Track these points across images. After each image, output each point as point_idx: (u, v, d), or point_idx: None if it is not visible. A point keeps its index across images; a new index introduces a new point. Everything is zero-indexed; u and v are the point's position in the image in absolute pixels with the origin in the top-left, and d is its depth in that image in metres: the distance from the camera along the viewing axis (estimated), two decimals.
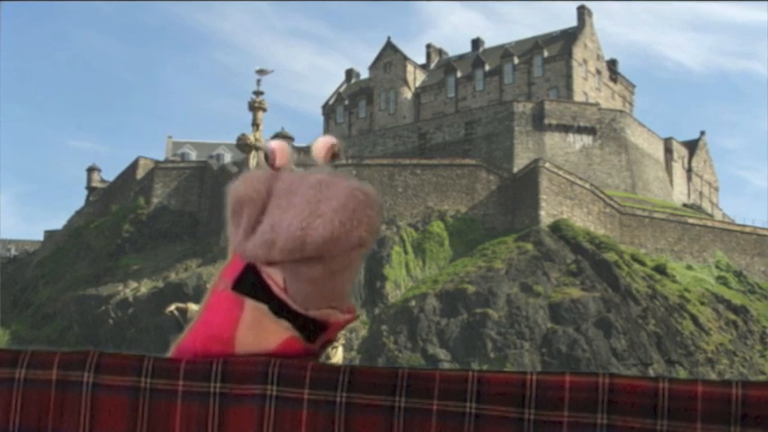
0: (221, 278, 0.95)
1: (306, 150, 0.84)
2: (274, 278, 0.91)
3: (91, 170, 79.70)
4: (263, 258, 0.90)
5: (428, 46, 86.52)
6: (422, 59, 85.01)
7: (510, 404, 0.84)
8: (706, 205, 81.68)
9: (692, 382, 0.84)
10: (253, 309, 0.91)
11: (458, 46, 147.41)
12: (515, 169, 66.77)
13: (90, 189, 78.63)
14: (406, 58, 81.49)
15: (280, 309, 0.92)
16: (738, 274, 64.40)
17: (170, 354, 0.94)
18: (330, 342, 0.98)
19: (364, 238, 0.89)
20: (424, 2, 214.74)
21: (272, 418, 0.86)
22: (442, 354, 57.21)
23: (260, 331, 0.91)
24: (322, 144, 0.92)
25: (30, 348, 0.93)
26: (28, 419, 0.87)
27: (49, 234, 78.19)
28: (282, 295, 0.91)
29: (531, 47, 78.26)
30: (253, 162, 17.12)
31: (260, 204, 0.91)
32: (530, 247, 61.40)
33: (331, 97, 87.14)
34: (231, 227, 0.95)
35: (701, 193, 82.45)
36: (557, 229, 62.39)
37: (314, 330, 0.92)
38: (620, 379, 0.85)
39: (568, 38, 77.59)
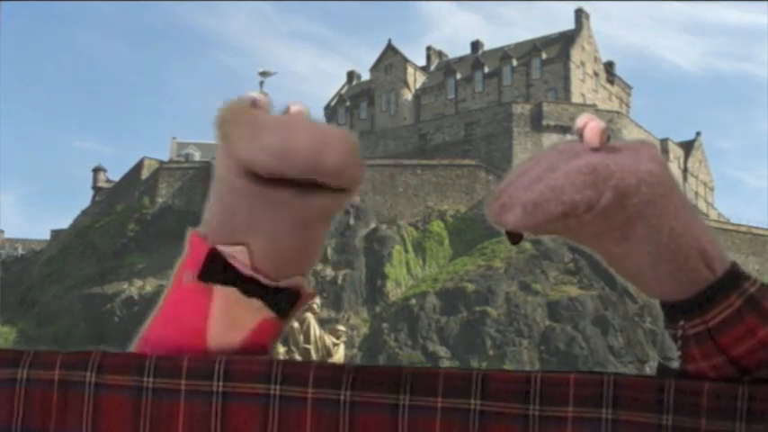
0: (182, 271, 0.91)
1: None
2: (240, 258, 0.92)
3: (96, 170, 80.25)
4: (276, 169, 0.85)
5: (428, 48, 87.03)
6: (422, 61, 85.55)
7: (514, 400, 0.85)
8: (701, 205, 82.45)
9: (699, 379, 0.85)
10: (222, 295, 0.89)
11: (457, 48, 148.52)
12: None
13: (95, 189, 79.26)
14: (406, 60, 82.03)
15: (250, 288, 0.89)
16: None
17: (134, 348, 0.95)
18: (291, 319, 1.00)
19: (360, 176, 0.90)
20: (425, 2, 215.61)
21: (277, 416, 0.86)
22: (442, 351, 57.83)
23: (232, 317, 0.90)
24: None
25: (32, 348, 0.93)
26: (30, 420, 0.88)
27: (56, 233, 78.73)
28: (251, 273, 0.88)
29: (530, 49, 78.95)
30: None
31: (256, 114, 0.87)
32: (528, 246, 62.01)
33: (333, 99, 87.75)
34: (222, 143, 0.87)
35: (696, 193, 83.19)
36: None
37: (287, 303, 0.91)
38: (625, 377, 0.86)
39: (566, 40, 78.33)
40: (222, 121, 0.86)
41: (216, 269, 0.88)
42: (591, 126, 0.85)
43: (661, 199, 0.84)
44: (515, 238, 0.87)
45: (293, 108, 0.87)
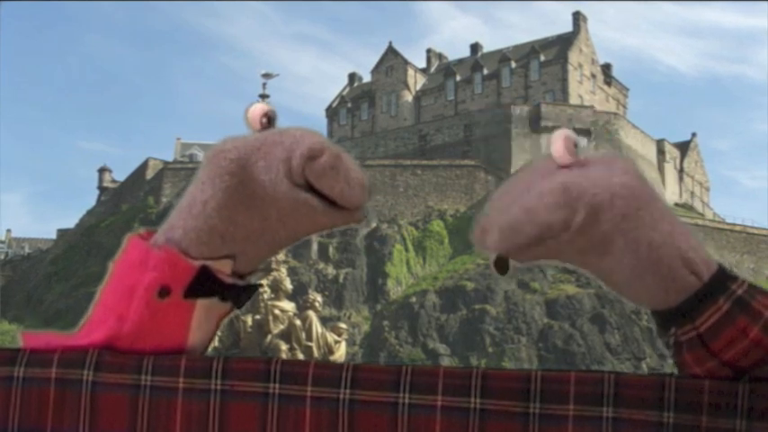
0: (155, 286, 0.87)
1: None
2: (224, 269, 0.88)
3: (102, 171, 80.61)
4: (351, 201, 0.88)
5: (428, 50, 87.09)
6: (422, 63, 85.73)
7: (515, 399, 0.83)
8: (697, 205, 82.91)
9: (700, 377, 0.83)
10: (202, 306, 0.88)
11: (457, 50, 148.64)
12: (513, 170, 67.96)
13: (101, 189, 79.72)
14: (406, 63, 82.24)
15: (228, 294, 0.89)
16: None
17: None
18: None
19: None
20: (425, 5, 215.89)
21: (275, 414, 0.84)
22: (441, 348, 58.07)
23: (208, 323, 0.89)
24: (257, 110, 0.90)
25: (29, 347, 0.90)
26: (27, 418, 0.86)
27: (62, 233, 78.94)
28: (233, 281, 0.88)
29: (528, 51, 79.22)
30: None
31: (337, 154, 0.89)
32: None
33: (334, 100, 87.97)
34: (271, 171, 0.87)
35: (692, 193, 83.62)
36: None
37: (250, 297, 0.92)
38: (626, 375, 0.84)
39: (564, 43, 78.70)
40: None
41: (204, 286, 0.87)
42: (556, 147, 0.84)
43: (637, 211, 0.81)
44: (502, 266, 0.87)
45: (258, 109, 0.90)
